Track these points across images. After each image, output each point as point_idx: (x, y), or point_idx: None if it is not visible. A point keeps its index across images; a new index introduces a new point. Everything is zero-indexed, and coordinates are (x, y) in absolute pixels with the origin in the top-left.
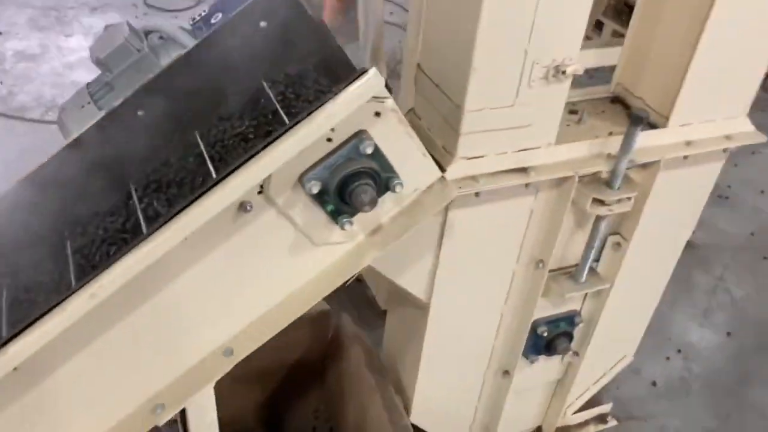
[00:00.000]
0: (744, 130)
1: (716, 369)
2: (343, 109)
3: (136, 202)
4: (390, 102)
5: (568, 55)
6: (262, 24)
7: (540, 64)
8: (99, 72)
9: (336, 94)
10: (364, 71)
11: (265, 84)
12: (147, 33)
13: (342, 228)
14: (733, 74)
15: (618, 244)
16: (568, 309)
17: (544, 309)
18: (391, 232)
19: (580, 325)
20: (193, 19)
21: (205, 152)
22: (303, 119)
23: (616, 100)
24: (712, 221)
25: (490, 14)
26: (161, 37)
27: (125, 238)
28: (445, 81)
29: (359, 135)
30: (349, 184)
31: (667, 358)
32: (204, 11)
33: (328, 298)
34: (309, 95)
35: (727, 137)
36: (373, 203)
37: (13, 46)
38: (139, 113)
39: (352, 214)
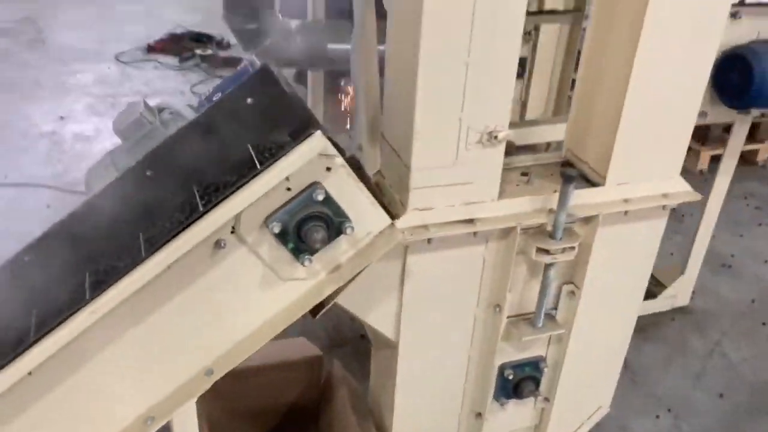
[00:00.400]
0: (680, 189)
1: (707, 428)
2: (292, 164)
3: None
4: (339, 159)
5: (499, 122)
6: (249, 100)
7: (474, 130)
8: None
9: (287, 152)
10: (311, 134)
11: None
12: (160, 109)
13: (303, 264)
14: (660, 138)
15: (572, 292)
16: (533, 354)
17: (510, 353)
18: (348, 270)
19: (546, 369)
20: (200, 98)
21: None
22: (260, 173)
23: (567, 164)
24: (714, 288)
25: (425, 86)
26: (171, 113)
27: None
28: (398, 145)
29: (313, 185)
30: (304, 225)
31: (657, 417)
32: (209, 90)
33: (332, 351)
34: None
35: (665, 195)
36: (324, 241)
37: (71, 129)
38: (148, 173)
39: (312, 253)
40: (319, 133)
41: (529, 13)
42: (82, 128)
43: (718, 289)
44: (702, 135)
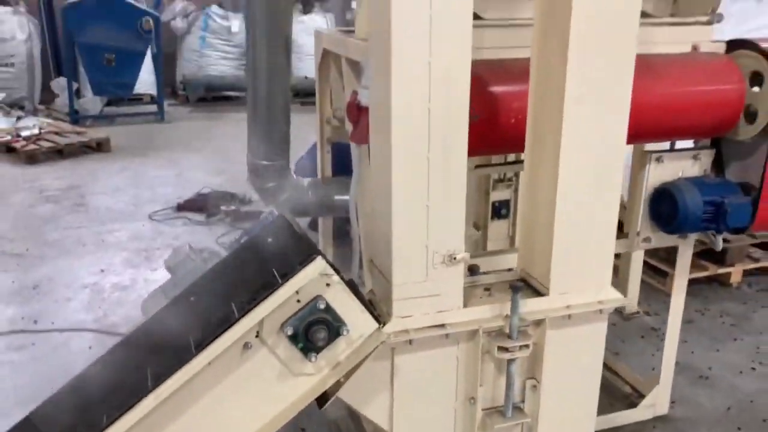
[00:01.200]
0: (612, 297)
1: None
2: (300, 282)
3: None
4: (335, 277)
5: (456, 248)
6: (270, 240)
7: (438, 254)
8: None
9: (296, 273)
10: (314, 259)
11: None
12: (201, 251)
13: (310, 360)
14: (586, 259)
15: (534, 386)
16: None
17: None
18: (345, 365)
19: None
20: (232, 241)
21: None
22: (277, 289)
23: (521, 280)
24: (692, 398)
25: (399, 222)
26: (209, 253)
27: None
28: (383, 268)
29: (317, 297)
30: (310, 328)
31: None
32: (240, 233)
33: None
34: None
35: (600, 302)
36: (325, 340)
37: (110, 280)
38: (192, 298)
39: (317, 351)
40: (320, 257)
41: (509, 163)
42: (119, 279)
43: (696, 399)
44: (674, 261)
